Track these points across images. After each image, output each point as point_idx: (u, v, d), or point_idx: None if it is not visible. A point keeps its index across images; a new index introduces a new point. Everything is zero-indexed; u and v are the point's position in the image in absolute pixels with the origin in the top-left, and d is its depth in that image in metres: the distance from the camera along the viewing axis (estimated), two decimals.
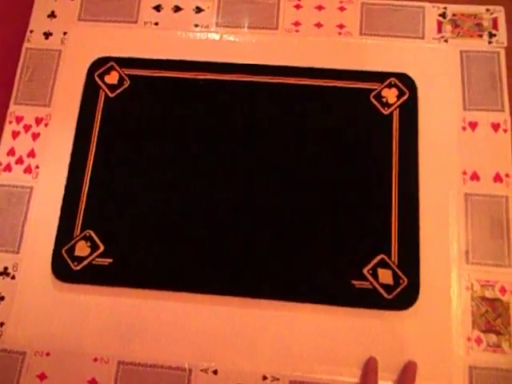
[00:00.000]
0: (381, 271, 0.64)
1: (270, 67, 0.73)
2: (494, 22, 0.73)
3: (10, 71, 0.75)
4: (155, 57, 0.74)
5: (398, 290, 0.63)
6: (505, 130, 0.69)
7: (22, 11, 0.78)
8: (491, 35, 0.73)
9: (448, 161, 0.68)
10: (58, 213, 0.68)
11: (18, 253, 0.67)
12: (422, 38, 0.74)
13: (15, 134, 0.72)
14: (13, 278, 0.66)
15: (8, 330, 0.64)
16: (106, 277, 0.66)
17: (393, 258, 0.65)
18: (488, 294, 0.63)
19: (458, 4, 0.75)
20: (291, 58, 0.73)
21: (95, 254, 0.66)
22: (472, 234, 0.65)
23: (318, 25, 0.75)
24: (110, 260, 0.66)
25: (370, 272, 0.64)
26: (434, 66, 0.72)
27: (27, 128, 0.72)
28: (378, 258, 0.65)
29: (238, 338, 0.63)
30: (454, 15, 0.74)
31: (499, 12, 0.74)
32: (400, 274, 0.64)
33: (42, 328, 0.64)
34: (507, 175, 0.67)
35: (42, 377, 0.63)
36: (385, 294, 0.63)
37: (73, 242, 0.67)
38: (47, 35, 0.77)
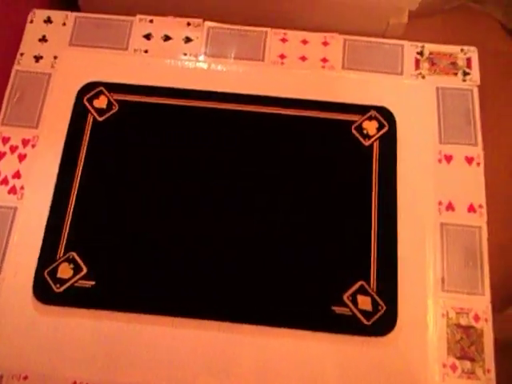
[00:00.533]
0: (360, 298, 0.66)
1: (256, 97, 0.75)
2: (468, 61, 0.78)
3: None
4: (144, 83, 0.76)
5: (377, 316, 0.65)
6: (478, 164, 0.72)
7: (14, 34, 0.79)
8: (465, 73, 0.77)
9: (425, 191, 0.71)
10: (42, 234, 0.68)
11: None
12: (401, 73, 0.77)
13: (1, 155, 0.73)
14: None
15: None
16: (88, 299, 0.65)
17: (372, 285, 0.66)
18: (462, 321, 0.65)
19: (434, 43, 0.79)
20: (276, 88, 0.76)
21: (78, 277, 0.66)
22: (447, 263, 0.68)
23: (303, 58, 0.78)
24: (93, 283, 0.66)
25: (350, 298, 0.66)
26: (411, 100, 0.76)
27: (13, 149, 0.73)
28: (358, 284, 0.66)
29: (219, 362, 0.64)
30: (430, 54, 0.78)
31: (473, 52, 0.78)
32: (379, 300, 0.66)
33: (21, 351, 0.64)
34: (480, 206, 0.70)
35: None
36: (364, 321, 0.65)
37: (56, 263, 0.67)
38: (38, 58, 0.78)
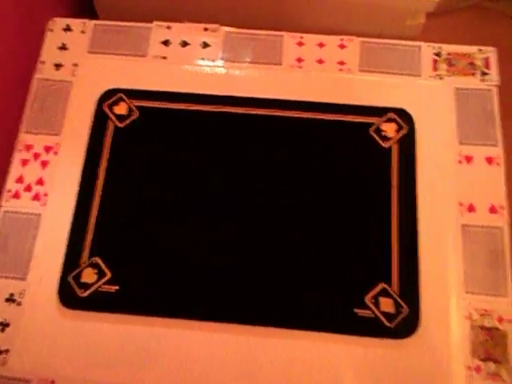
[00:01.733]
0: (382, 300, 0.66)
1: (274, 101, 0.76)
2: (486, 61, 0.77)
3: (20, 101, 0.77)
4: (163, 89, 0.77)
5: (399, 318, 0.65)
6: (498, 164, 0.72)
7: (34, 43, 0.80)
8: (483, 74, 0.77)
9: (445, 193, 0.71)
10: (66, 240, 0.69)
11: (24, 279, 0.68)
12: (419, 75, 0.77)
13: (24, 162, 0.74)
14: (19, 304, 0.67)
15: (13, 357, 0.65)
16: (112, 304, 0.66)
17: (394, 287, 0.66)
18: (486, 322, 0.65)
19: (449, 42, 0.79)
20: (294, 92, 0.76)
21: (102, 281, 0.67)
22: (469, 264, 0.67)
23: (320, 61, 0.79)
24: (117, 287, 0.67)
25: (372, 300, 0.66)
26: (430, 102, 0.76)
27: (36, 156, 0.74)
28: (380, 286, 0.66)
29: (243, 365, 0.64)
30: (448, 54, 0.78)
31: (491, 52, 0.78)
32: (401, 302, 0.66)
33: (48, 355, 0.65)
34: (502, 207, 0.70)
35: None
36: (386, 323, 0.65)
37: (80, 268, 0.68)
38: (58, 66, 0.79)
